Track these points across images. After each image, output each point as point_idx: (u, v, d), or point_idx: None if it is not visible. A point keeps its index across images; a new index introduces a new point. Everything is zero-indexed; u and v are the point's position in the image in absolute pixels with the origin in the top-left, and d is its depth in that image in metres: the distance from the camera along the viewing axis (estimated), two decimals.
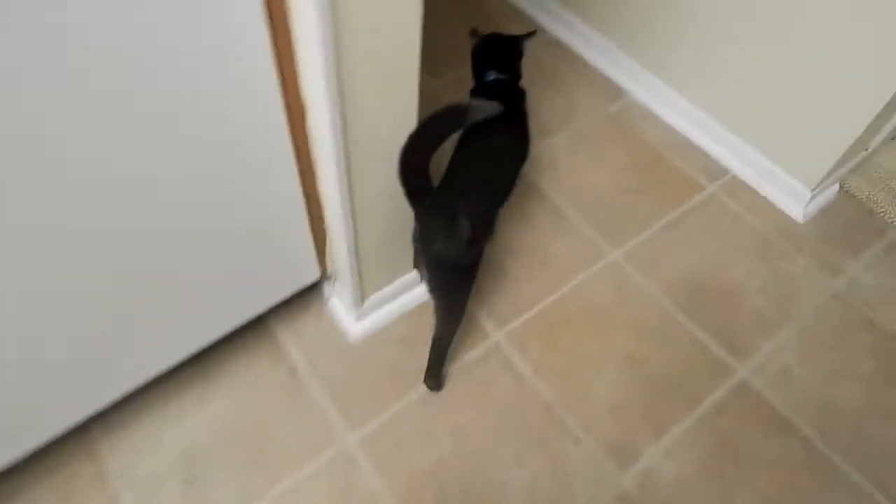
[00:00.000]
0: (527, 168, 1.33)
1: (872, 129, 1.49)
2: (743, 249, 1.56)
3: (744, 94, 1.60)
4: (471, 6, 2.06)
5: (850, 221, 1.64)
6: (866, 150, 1.73)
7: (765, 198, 1.66)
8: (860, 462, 1.26)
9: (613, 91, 1.87)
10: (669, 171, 1.70)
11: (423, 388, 1.30)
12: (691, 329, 1.42)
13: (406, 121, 0.98)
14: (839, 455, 1.26)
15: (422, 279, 1.31)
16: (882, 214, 1.65)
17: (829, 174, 1.57)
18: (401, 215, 1.09)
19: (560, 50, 1.97)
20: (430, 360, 1.26)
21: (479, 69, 1.33)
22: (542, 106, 1.81)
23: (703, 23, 1.59)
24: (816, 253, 1.56)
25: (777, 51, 1.48)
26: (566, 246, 1.54)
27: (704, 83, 1.69)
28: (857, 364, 1.39)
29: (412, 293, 1.40)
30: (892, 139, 1.81)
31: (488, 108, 1.09)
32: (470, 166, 1.13)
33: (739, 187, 1.68)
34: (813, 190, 1.59)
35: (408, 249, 1.26)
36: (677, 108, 1.77)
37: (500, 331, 1.39)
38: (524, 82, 1.34)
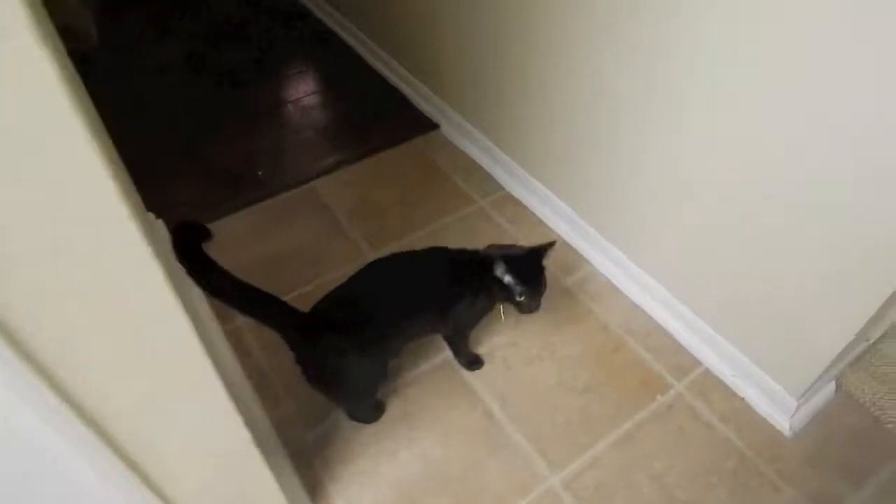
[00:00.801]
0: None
1: (872, 321, 1.23)
2: (713, 474, 1.28)
3: (717, 282, 1.39)
4: (420, 166, 1.96)
5: (850, 434, 1.35)
6: (867, 340, 1.46)
7: (743, 400, 1.40)
8: None
9: (571, 260, 1.68)
10: (629, 364, 1.46)
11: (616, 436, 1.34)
12: None
13: None
14: None
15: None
16: (890, 424, 1.36)
17: (821, 377, 1.30)
18: None
19: (515, 208, 1.81)
20: None
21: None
22: None
23: (673, 203, 1.40)
24: (806, 482, 1.27)
25: (760, 237, 1.27)
26: (496, 467, 1.29)
27: (671, 261, 1.48)
28: None
29: None
30: None
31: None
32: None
33: (712, 386, 1.42)
34: (799, 399, 1.32)
35: None
36: (644, 285, 1.56)
37: None
38: None
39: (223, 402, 0.75)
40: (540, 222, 1.77)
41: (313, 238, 1.72)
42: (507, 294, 1.27)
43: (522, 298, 1.26)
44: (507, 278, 1.25)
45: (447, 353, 1.46)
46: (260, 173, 1.91)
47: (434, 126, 2.09)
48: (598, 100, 1.41)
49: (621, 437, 1.33)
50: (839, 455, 1.31)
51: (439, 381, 1.42)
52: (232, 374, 1.33)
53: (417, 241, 1.70)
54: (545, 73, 1.53)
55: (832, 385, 1.41)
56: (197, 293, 1.24)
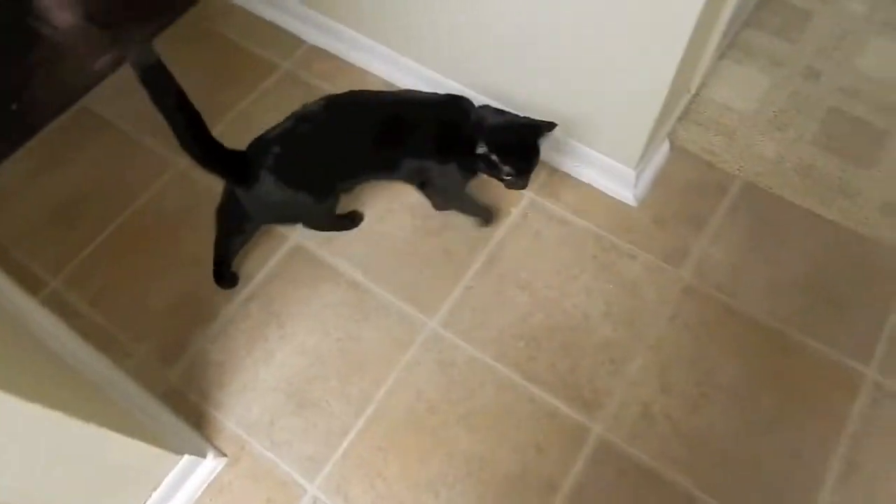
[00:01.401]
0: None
1: (685, 68, 1.22)
2: (575, 265, 1.32)
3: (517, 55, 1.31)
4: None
5: (688, 185, 1.41)
6: (689, 91, 1.48)
7: (589, 185, 1.41)
8: None
9: None
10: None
11: (481, 261, 1.34)
12: (534, 394, 1.20)
13: None
14: (717, 500, 1.11)
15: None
16: (721, 165, 1.43)
17: (652, 140, 1.32)
18: None
19: (324, 61, 1.62)
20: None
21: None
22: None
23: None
24: (656, 242, 1.34)
25: None
26: (374, 331, 1.27)
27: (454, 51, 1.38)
28: (722, 373, 1.21)
29: None
30: (721, 59, 1.57)
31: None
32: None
33: (560, 183, 1.42)
34: (637, 168, 1.35)
35: None
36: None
37: None
38: None
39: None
40: (353, 67, 1.59)
41: (107, 163, 1.48)
42: (492, 170, 1.16)
43: (509, 178, 1.15)
44: (494, 157, 1.13)
45: (293, 239, 1.36)
46: (14, 106, 1.57)
47: None
48: None
49: (486, 261, 1.34)
50: (681, 208, 1.38)
51: (295, 269, 1.34)
52: (57, 343, 1.19)
53: (226, 130, 1.50)
54: None
55: (666, 146, 1.45)
56: None
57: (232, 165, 1.09)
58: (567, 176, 1.43)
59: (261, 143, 1.12)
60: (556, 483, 1.12)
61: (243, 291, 1.31)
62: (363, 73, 1.58)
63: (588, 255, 1.33)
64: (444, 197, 1.33)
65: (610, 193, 1.39)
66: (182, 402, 1.21)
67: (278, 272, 1.34)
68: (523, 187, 1.20)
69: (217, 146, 1.05)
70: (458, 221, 1.38)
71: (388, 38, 1.51)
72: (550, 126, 1.16)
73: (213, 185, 1.43)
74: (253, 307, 1.30)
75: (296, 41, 1.66)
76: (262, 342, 1.27)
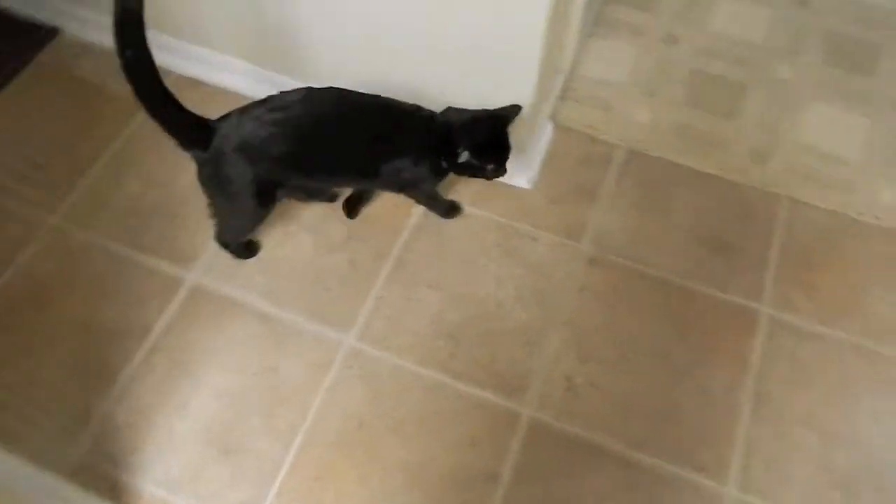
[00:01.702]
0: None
1: (551, 50, 1.25)
2: (482, 256, 1.33)
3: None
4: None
5: (576, 161, 1.46)
6: (563, 71, 1.53)
7: None
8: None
9: None
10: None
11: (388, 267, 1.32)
12: (460, 390, 1.19)
13: None
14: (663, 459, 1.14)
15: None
16: (604, 137, 1.49)
17: (534, 123, 1.36)
18: None
19: (193, 89, 1.54)
20: None
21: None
22: None
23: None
24: (555, 220, 1.38)
25: None
26: (290, 359, 1.22)
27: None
28: (636, 333, 1.26)
29: None
30: (589, 36, 1.63)
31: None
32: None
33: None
34: (525, 152, 1.37)
35: None
36: None
37: None
38: None
39: None
40: (222, 90, 1.53)
41: None
42: (474, 172, 1.21)
43: (490, 170, 1.20)
44: (476, 161, 1.17)
45: (191, 279, 1.30)
46: None
47: (53, 32, 1.65)
48: None
49: (393, 267, 1.32)
50: (573, 184, 1.42)
51: (196, 312, 1.27)
52: None
53: (102, 174, 1.41)
54: None
55: (550, 127, 1.49)
56: None
57: (190, 126, 1.08)
58: None
59: (227, 116, 1.11)
60: (495, 472, 1.12)
61: (143, 345, 1.23)
62: (230, 93, 1.52)
63: (492, 244, 1.35)
64: (416, 196, 1.32)
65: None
66: (93, 476, 1.12)
67: (179, 318, 1.27)
68: (504, 174, 1.23)
69: (178, 105, 1.06)
70: (360, 231, 1.36)
71: (246, 53, 1.47)
72: (516, 110, 1.19)
73: (89, 239, 1.34)
74: (157, 360, 1.22)
75: (161, 71, 1.57)
76: (172, 394, 1.19)
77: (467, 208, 1.39)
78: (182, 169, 1.42)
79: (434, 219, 1.37)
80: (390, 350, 1.23)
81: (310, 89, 1.14)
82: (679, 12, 1.69)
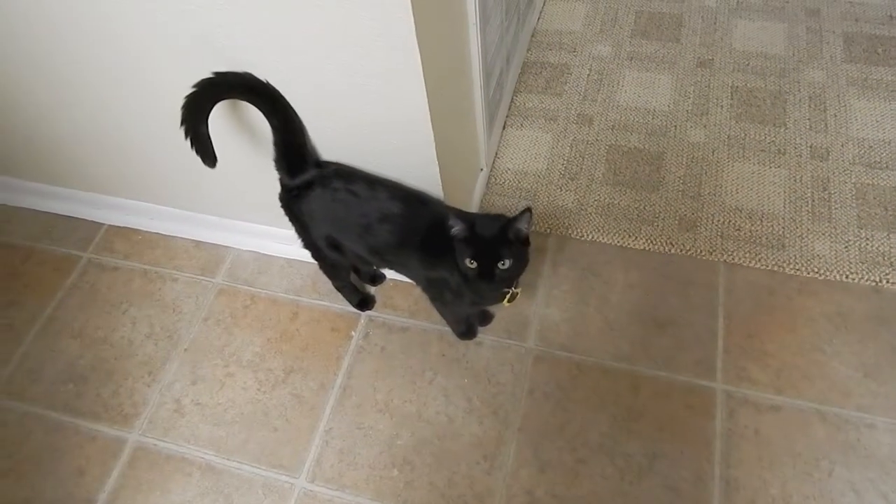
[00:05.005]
0: None
1: (446, 141, 1.25)
2: (427, 369, 1.30)
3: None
4: None
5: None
6: (481, 169, 1.56)
7: (404, 281, 1.43)
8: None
9: (213, 256, 1.51)
10: (312, 320, 1.38)
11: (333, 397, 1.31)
12: None
13: None
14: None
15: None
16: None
17: None
18: None
19: (126, 239, 1.54)
20: None
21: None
22: None
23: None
24: (496, 320, 1.36)
25: None
26: None
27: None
28: (591, 431, 1.22)
29: None
30: (504, 128, 1.67)
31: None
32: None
33: (393, 287, 1.43)
34: None
35: None
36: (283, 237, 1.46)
37: None
38: None
39: None
40: (154, 235, 1.54)
41: None
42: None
43: (469, 268, 1.02)
44: (490, 285, 1.02)
45: (131, 441, 1.25)
46: None
47: None
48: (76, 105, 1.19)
49: (339, 395, 1.29)
50: None
51: (140, 475, 1.22)
52: None
53: (35, 344, 1.39)
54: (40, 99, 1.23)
55: None
56: None
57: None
58: (392, 279, 1.44)
59: (322, 163, 1.17)
60: None
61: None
62: (165, 238, 1.54)
63: (435, 354, 1.33)
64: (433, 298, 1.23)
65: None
66: None
67: (122, 486, 1.21)
68: (492, 279, 1.03)
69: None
70: (300, 363, 1.33)
71: (169, 198, 1.48)
72: (527, 214, 1.02)
73: (27, 411, 1.28)
74: None
75: (92, 226, 1.58)
76: None
77: (407, 321, 1.37)
78: (117, 321, 1.41)
79: (375, 337, 1.36)
80: (345, 488, 1.19)
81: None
82: (587, 92, 1.74)
